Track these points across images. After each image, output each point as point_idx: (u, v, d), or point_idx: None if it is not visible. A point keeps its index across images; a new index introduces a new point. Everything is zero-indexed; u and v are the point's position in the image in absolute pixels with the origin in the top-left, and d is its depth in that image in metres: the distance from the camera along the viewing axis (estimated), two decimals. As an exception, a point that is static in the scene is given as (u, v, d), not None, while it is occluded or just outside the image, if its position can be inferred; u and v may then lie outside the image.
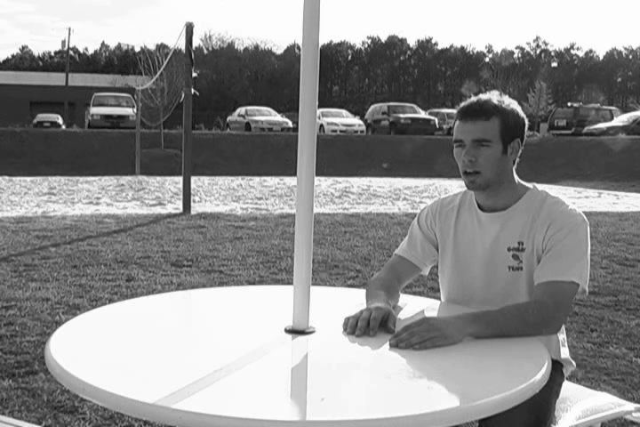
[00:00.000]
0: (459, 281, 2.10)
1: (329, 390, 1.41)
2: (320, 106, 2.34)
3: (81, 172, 20.08)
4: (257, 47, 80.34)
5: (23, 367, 3.47)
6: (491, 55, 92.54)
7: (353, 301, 2.02)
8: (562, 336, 2.07)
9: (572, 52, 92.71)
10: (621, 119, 27.88)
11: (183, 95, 10.45)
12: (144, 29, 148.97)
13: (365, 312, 1.79)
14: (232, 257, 6.62)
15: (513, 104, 1.97)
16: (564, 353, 2.08)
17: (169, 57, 15.21)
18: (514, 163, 2.01)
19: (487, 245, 2.01)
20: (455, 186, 16.40)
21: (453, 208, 2.12)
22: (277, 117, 31.46)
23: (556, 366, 1.98)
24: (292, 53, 76.46)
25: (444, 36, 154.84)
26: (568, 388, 2.13)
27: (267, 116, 31.26)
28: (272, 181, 18.51)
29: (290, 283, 1.82)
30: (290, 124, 29.60)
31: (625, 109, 40.83)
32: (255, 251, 6.98)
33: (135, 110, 21.98)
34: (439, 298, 2.24)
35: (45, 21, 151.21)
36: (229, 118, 33.62)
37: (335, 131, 28.41)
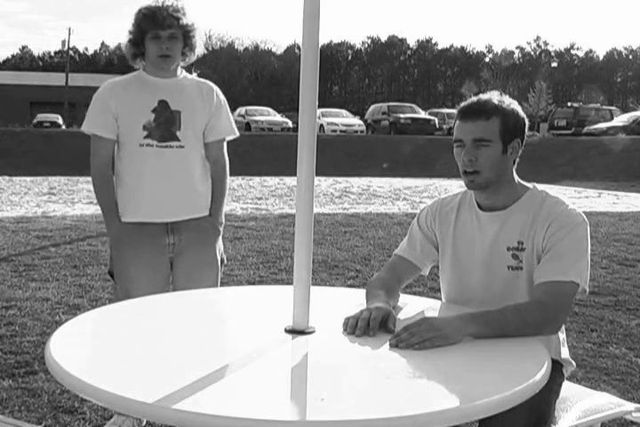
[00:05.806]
0: (458, 281, 2.10)
1: (329, 390, 1.41)
2: (320, 106, 2.34)
3: (81, 172, 19.97)
4: (257, 47, 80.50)
5: (23, 367, 3.47)
6: (491, 55, 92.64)
7: (353, 301, 2.02)
8: (562, 336, 2.07)
9: (572, 52, 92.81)
10: (621, 119, 27.87)
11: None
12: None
13: (365, 312, 1.79)
14: (232, 257, 6.61)
15: (513, 104, 1.98)
16: (564, 353, 2.08)
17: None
18: (514, 163, 2.01)
19: (487, 245, 2.01)
20: (455, 186, 16.39)
21: (453, 208, 2.12)
22: (277, 117, 31.45)
23: (556, 366, 1.97)
24: (291, 53, 76.56)
25: (444, 36, 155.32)
26: (568, 388, 2.13)
27: (267, 116, 31.25)
28: (272, 181, 18.50)
29: (290, 283, 1.82)
30: (290, 124, 29.57)
31: (625, 109, 40.90)
32: (255, 251, 6.98)
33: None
34: (439, 298, 2.23)
35: (39, 20, 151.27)
36: (229, 118, 33.57)
37: (335, 131, 28.38)
